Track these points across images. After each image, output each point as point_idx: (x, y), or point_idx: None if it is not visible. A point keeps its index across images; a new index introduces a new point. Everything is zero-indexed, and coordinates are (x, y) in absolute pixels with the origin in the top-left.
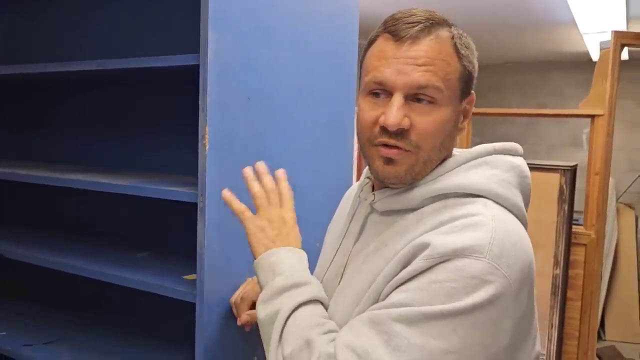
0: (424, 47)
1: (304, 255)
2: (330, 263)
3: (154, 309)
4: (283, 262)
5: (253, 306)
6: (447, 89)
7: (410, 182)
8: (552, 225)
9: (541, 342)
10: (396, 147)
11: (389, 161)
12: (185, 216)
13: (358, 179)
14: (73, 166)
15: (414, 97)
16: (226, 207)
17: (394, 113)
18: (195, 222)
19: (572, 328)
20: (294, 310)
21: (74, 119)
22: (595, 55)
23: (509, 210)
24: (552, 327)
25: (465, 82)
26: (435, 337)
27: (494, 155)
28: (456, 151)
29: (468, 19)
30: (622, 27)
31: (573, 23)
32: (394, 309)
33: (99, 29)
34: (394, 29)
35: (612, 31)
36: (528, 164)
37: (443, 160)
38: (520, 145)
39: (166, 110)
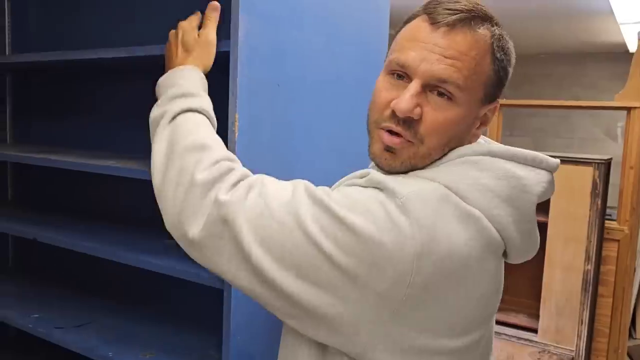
0: (457, 39)
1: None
2: None
3: (182, 295)
4: (185, 77)
5: None
6: (469, 89)
7: (405, 171)
8: (585, 220)
9: (570, 338)
10: (400, 135)
11: (388, 149)
12: None
13: None
14: (105, 152)
15: (432, 87)
16: None
17: (406, 99)
18: None
19: (602, 325)
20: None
21: (106, 106)
22: (632, 46)
23: (474, 219)
24: (581, 323)
25: (492, 88)
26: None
27: (486, 157)
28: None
29: (500, 7)
30: None
31: (610, 12)
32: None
33: (129, 16)
34: (433, 11)
35: None
36: (561, 157)
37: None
38: (553, 138)
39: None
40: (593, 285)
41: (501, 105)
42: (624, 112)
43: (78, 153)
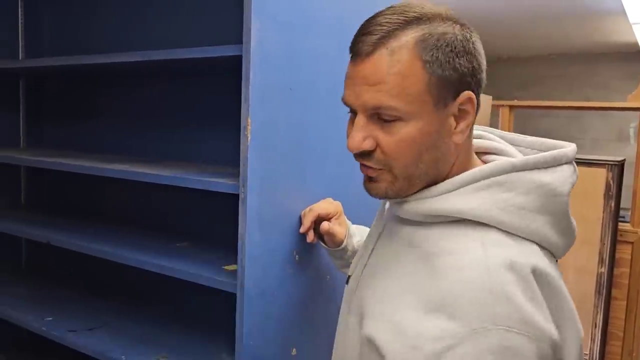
0: (375, 64)
1: None
2: (360, 259)
3: (195, 298)
4: None
5: (318, 219)
6: (410, 102)
7: (397, 196)
8: (598, 222)
9: (584, 341)
10: (368, 167)
11: (369, 179)
12: (225, 207)
13: None
14: (117, 156)
15: (376, 115)
16: (267, 198)
17: (352, 137)
18: (236, 213)
19: (616, 328)
20: None
21: (118, 110)
22: None
23: (525, 239)
24: (595, 326)
25: (442, 86)
26: None
27: (511, 174)
28: (528, 141)
29: (510, 9)
30: None
31: (622, 12)
32: None
33: (143, 20)
34: (353, 44)
35: None
36: (575, 158)
37: (445, 170)
38: (565, 139)
39: (209, 100)
40: (607, 288)
41: (512, 106)
42: (637, 113)
43: (90, 157)
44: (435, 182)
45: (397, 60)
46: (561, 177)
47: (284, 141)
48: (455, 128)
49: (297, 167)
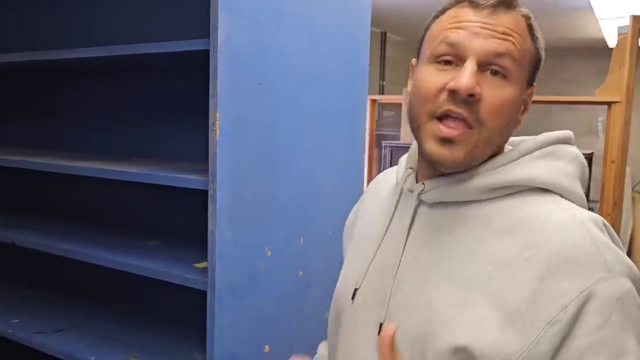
0: (504, 18)
1: None
2: (371, 262)
3: (166, 297)
4: None
5: None
6: (521, 66)
7: (467, 167)
8: None
9: None
10: (459, 119)
11: (445, 142)
12: (197, 204)
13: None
14: (83, 154)
15: (486, 66)
16: (237, 194)
17: (467, 75)
18: (207, 210)
19: None
20: None
21: (85, 107)
22: (611, 42)
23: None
24: None
25: (534, 67)
26: None
27: (557, 145)
28: (516, 139)
29: None
30: None
31: (589, 8)
32: None
33: (109, 15)
34: None
35: (630, 16)
36: None
37: (499, 150)
38: (535, 133)
39: (178, 96)
40: None
41: None
42: (604, 107)
43: (57, 155)
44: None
45: (520, 25)
46: (580, 153)
47: (254, 136)
48: (521, 114)
49: (268, 163)
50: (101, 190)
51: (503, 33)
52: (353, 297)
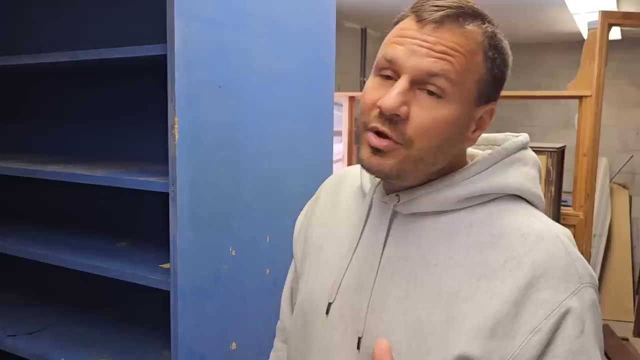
0: (445, 35)
1: None
2: (344, 275)
3: (136, 298)
4: None
5: None
6: (460, 85)
7: (397, 179)
8: None
9: None
10: (386, 136)
11: (376, 151)
12: (165, 205)
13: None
14: (50, 157)
15: (422, 85)
16: (198, 195)
17: (392, 96)
18: None
19: None
20: None
21: (50, 110)
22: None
23: (537, 207)
24: None
25: (486, 87)
26: None
27: (522, 151)
28: (489, 136)
29: None
30: (612, 7)
31: (563, 3)
32: None
33: (73, 21)
34: (420, 9)
35: (599, 11)
36: None
37: (450, 168)
38: (515, 126)
39: (140, 99)
40: None
41: None
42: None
43: (23, 158)
44: (426, 176)
45: (467, 43)
46: (536, 156)
47: (215, 139)
48: (472, 133)
49: (230, 164)
50: (73, 193)
51: (441, 52)
52: (328, 312)
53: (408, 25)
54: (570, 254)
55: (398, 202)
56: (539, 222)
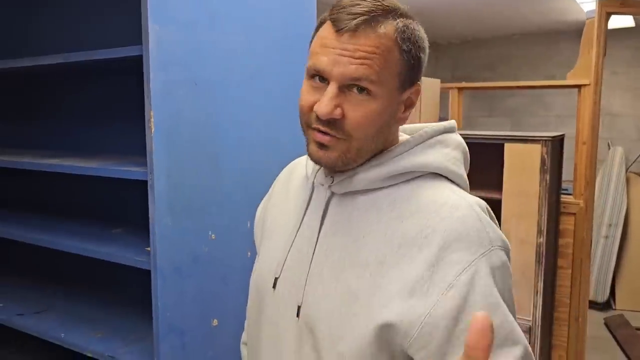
0: (362, 41)
1: None
2: (288, 252)
3: (132, 280)
4: None
5: None
6: (383, 81)
7: (343, 167)
8: (536, 195)
9: (527, 308)
10: (329, 134)
11: (322, 146)
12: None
13: None
14: (45, 152)
15: (350, 86)
16: (175, 183)
17: (325, 103)
18: None
19: (563, 295)
20: None
21: (48, 108)
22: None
23: (459, 186)
24: (537, 293)
25: (407, 75)
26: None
27: (445, 134)
28: (408, 128)
29: None
30: None
31: None
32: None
33: (54, 25)
34: (337, 17)
35: (597, 0)
36: (510, 136)
37: (384, 147)
38: (530, 116)
39: (128, 97)
40: (546, 257)
41: (460, 88)
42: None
43: (28, 153)
44: (368, 159)
45: (381, 43)
46: (462, 140)
47: (192, 131)
48: (402, 113)
49: (207, 154)
50: (74, 184)
51: (360, 57)
52: (275, 286)
53: (328, 34)
54: (482, 220)
55: (332, 183)
56: (455, 195)
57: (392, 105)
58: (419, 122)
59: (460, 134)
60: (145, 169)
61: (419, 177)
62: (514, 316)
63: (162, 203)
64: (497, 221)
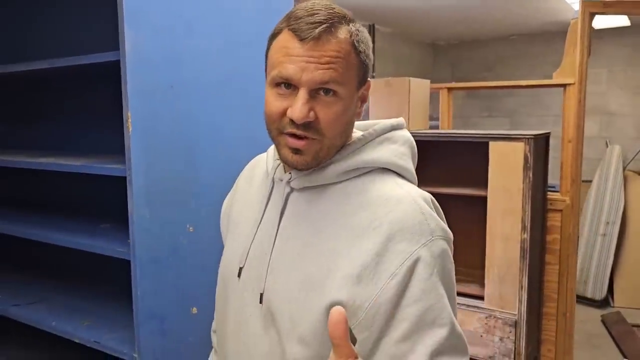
0: (325, 47)
1: None
2: (251, 244)
3: (118, 272)
4: None
5: None
6: (346, 82)
7: (317, 166)
8: (520, 192)
9: (513, 303)
10: (304, 137)
11: (296, 151)
12: None
13: None
14: (32, 152)
15: (317, 90)
16: (153, 179)
17: (299, 108)
18: None
19: (551, 291)
20: None
21: (51, 111)
22: (595, 23)
23: (407, 179)
24: (522, 288)
25: (363, 73)
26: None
27: (392, 132)
28: (361, 125)
29: None
30: None
31: None
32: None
33: (34, 31)
34: (297, 27)
35: (580, 0)
36: (494, 135)
37: (345, 142)
38: (528, 116)
39: (111, 99)
40: (531, 252)
41: (450, 89)
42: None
43: (25, 153)
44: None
45: (343, 47)
46: (410, 135)
47: (168, 130)
48: (359, 108)
49: (184, 152)
50: (68, 183)
51: (326, 63)
52: (239, 275)
53: (291, 43)
54: (424, 213)
55: (290, 179)
56: (400, 189)
57: (353, 102)
58: (408, 121)
59: (446, 134)
60: (124, 166)
61: (369, 171)
62: (453, 299)
63: (140, 197)
64: (442, 212)
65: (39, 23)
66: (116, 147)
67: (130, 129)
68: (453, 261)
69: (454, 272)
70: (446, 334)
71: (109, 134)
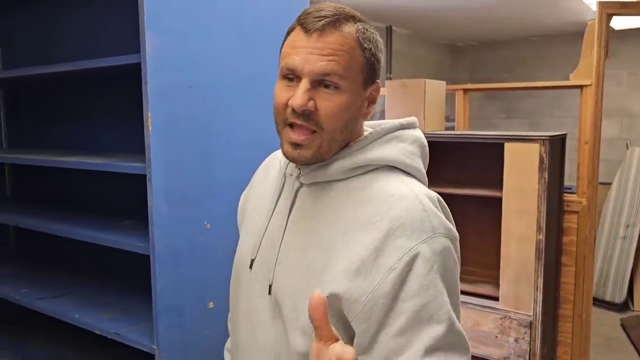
0: (329, 39)
1: None
2: (263, 236)
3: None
4: None
5: None
6: (349, 77)
7: (317, 162)
8: (535, 193)
9: (528, 304)
10: (303, 127)
11: (296, 146)
12: None
13: None
14: (57, 151)
15: (319, 82)
16: (172, 177)
17: (299, 96)
18: None
19: (567, 292)
20: None
21: (79, 111)
22: (615, 23)
23: (415, 177)
24: (537, 289)
25: (368, 72)
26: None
27: (400, 130)
28: (372, 124)
29: None
30: None
31: None
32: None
33: (59, 35)
34: (304, 21)
35: (597, 2)
36: (509, 136)
37: (350, 140)
38: (548, 117)
39: (134, 100)
40: (546, 253)
41: (465, 90)
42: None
43: (49, 153)
44: (337, 151)
45: (346, 42)
46: (422, 134)
47: (187, 129)
48: (367, 108)
49: (202, 151)
50: (96, 182)
51: (328, 54)
52: (251, 267)
53: (298, 37)
54: (426, 210)
55: (300, 174)
56: (405, 186)
57: (357, 99)
58: (424, 122)
59: (461, 136)
60: (144, 164)
61: (375, 169)
62: (455, 297)
63: (159, 195)
64: (449, 212)
65: (61, 25)
66: (136, 147)
67: (150, 129)
68: (457, 260)
69: (457, 271)
70: (443, 331)
71: (129, 133)
